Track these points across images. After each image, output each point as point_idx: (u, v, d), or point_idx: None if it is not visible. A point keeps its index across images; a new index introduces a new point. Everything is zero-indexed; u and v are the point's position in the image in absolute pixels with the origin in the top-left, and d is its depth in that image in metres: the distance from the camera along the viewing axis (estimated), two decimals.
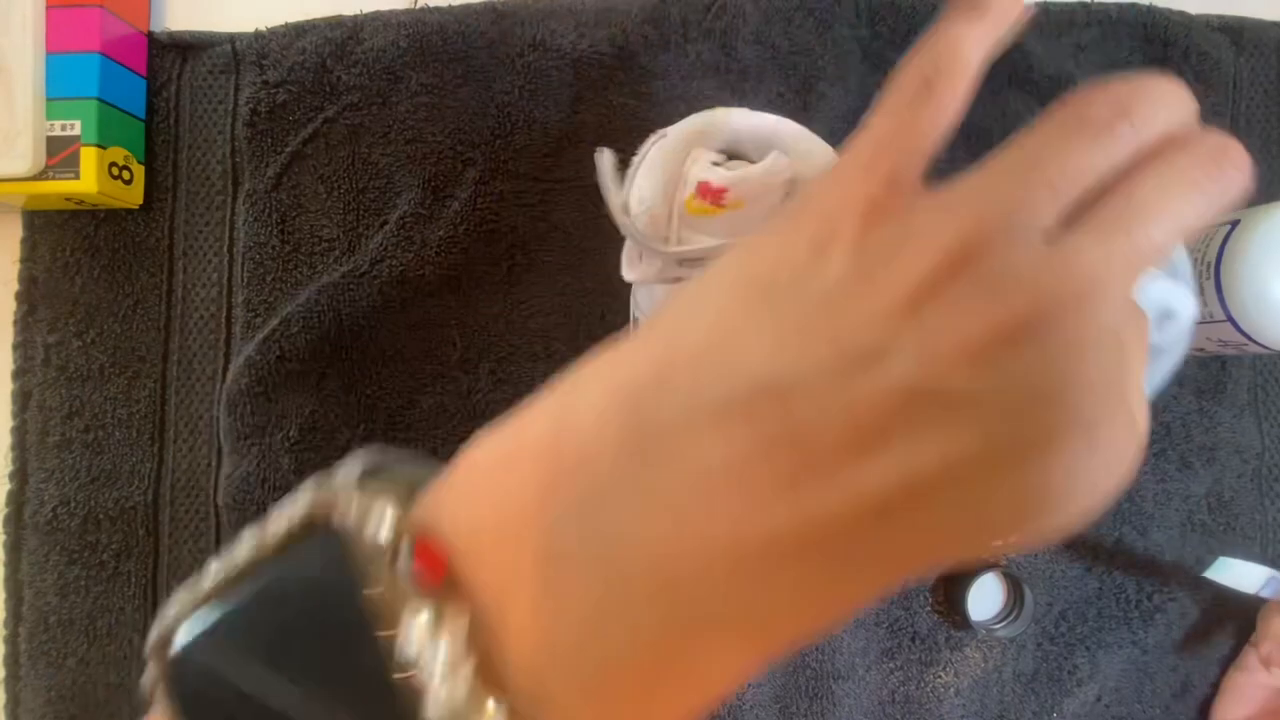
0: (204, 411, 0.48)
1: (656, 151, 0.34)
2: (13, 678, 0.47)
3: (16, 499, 0.47)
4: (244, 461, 0.46)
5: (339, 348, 0.47)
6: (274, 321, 0.47)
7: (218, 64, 0.49)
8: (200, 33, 0.49)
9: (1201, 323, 0.38)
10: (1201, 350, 0.41)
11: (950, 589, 0.45)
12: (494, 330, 0.47)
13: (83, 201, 0.46)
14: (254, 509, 0.46)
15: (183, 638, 0.19)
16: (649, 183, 0.34)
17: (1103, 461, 0.16)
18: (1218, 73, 0.48)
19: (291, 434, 0.46)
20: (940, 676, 0.46)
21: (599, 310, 0.47)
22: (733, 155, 0.36)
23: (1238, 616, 0.45)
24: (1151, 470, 0.46)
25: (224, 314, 0.48)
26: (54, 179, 0.44)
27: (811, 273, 0.17)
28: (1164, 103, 0.19)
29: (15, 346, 0.48)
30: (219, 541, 0.47)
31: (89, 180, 0.44)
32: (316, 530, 0.19)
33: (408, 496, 0.19)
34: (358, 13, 0.49)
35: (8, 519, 0.47)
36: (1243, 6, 0.49)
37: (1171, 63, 0.48)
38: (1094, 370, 0.16)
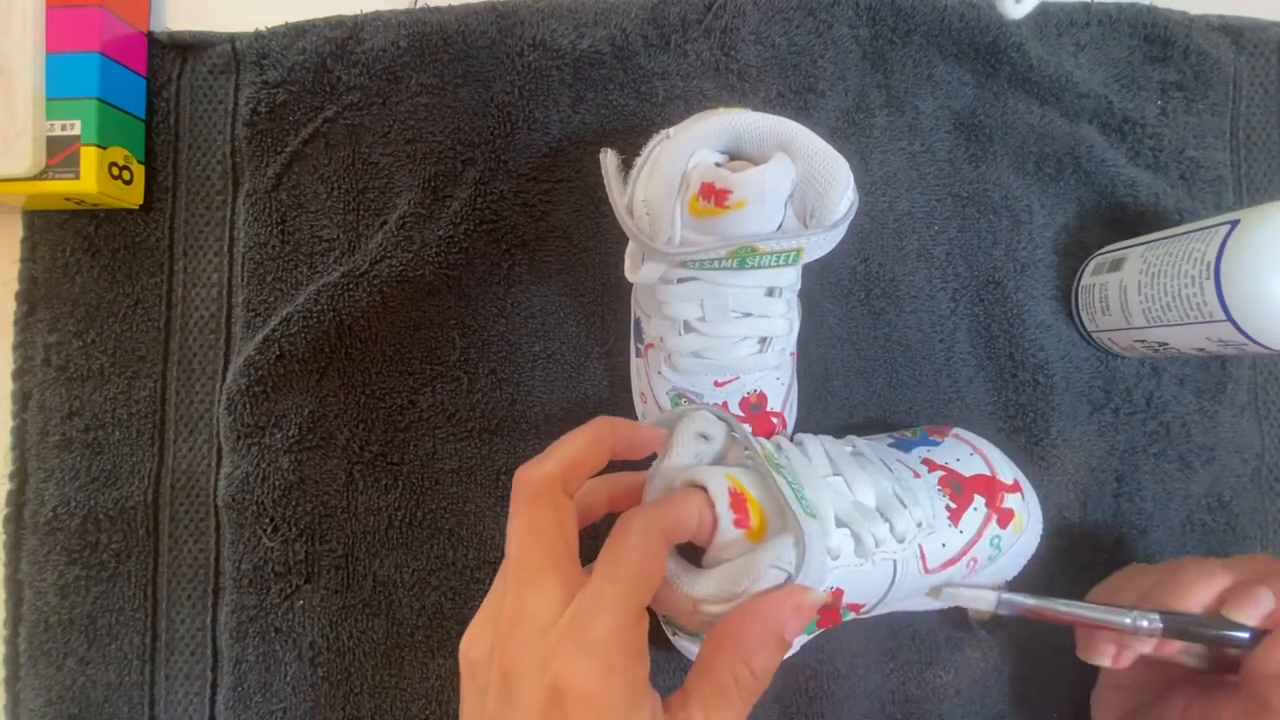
0: (204, 411, 0.48)
1: (660, 152, 0.34)
2: (13, 678, 0.47)
3: (16, 499, 0.47)
4: (244, 461, 0.46)
5: (339, 347, 0.47)
6: (274, 321, 0.47)
7: (218, 64, 0.49)
8: (200, 33, 0.49)
9: (1201, 323, 0.39)
10: (1201, 350, 0.41)
11: None
12: (494, 330, 0.47)
13: (83, 201, 0.46)
14: (253, 508, 0.46)
15: None
16: (652, 183, 0.34)
17: None
18: (1218, 73, 0.48)
19: (291, 433, 0.46)
20: (940, 676, 0.46)
21: (599, 310, 0.47)
22: (735, 156, 0.36)
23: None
24: (1151, 470, 0.46)
25: (224, 314, 0.48)
26: (54, 179, 0.44)
27: None
28: None
29: (15, 346, 0.48)
30: (219, 541, 0.47)
31: (89, 180, 0.44)
32: None
33: None
34: (358, 13, 0.49)
35: (8, 519, 0.47)
36: (1243, 6, 0.49)
37: (1171, 63, 0.48)
38: None
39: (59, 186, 0.44)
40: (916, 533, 0.36)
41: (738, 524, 0.29)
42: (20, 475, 0.48)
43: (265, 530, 0.46)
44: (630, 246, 0.39)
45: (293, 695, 0.46)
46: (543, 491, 0.27)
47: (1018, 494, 0.40)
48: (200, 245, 0.49)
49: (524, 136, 0.47)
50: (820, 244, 0.34)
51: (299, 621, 0.46)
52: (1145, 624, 0.35)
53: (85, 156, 0.44)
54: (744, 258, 0.34)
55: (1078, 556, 0.46)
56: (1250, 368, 0.48)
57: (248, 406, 0.46)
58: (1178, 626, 0.34)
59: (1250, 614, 0.33)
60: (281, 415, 0.47)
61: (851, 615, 0.37)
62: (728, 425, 0.33)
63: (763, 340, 0.40)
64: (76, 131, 0.44)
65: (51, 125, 0.44)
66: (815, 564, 0.28)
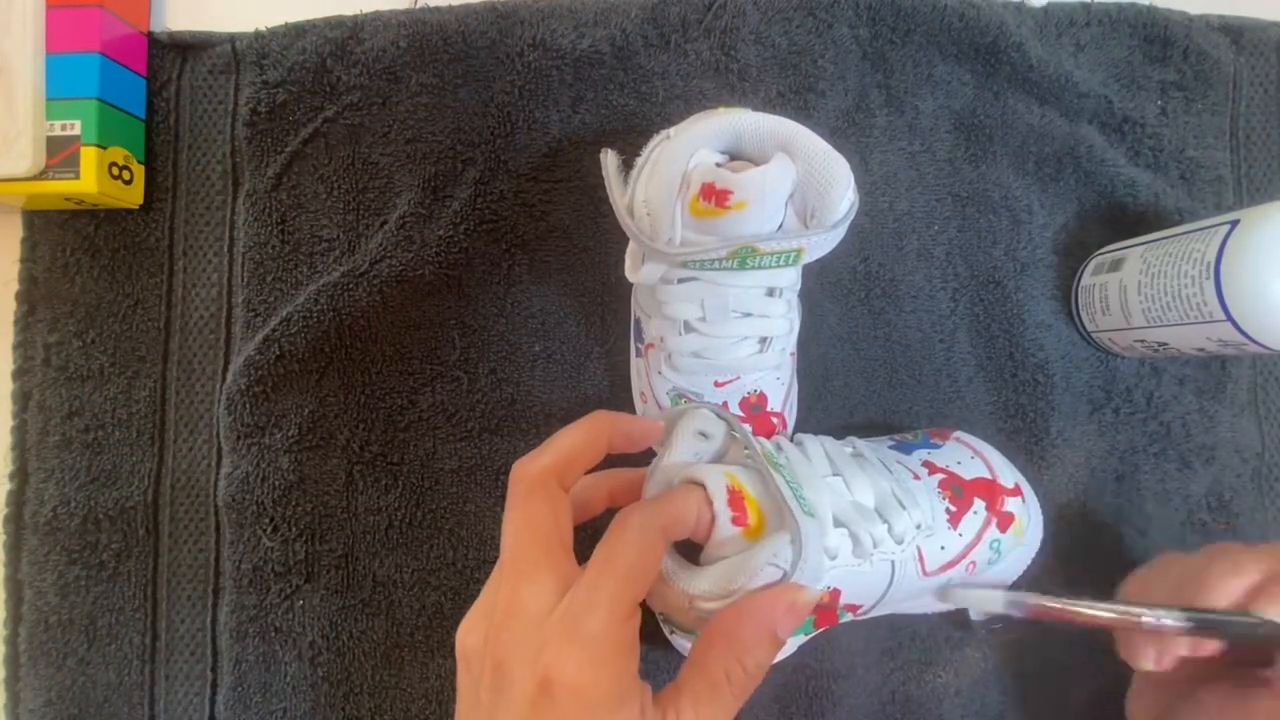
0: (204, 411, 0.48)
1: (660, 152, 0.34)
2: (13, 678, 0.47)
3: (16, 499, 0.47)
4: (243, 461, 0.46)
5: (339, 347, 0.47)
6: (274, 321, 0.47)
7: (218, 64, 0.49)
8: (200, 33, 0.49)
9: (1201, 323, 0.39)
10: (1201, 350, 0.41)
11: None
12: (494, 330, 0.47)
13: (83, 201, 0.46)
14: (253, 508, 0.46)
15: None
16: (653, 184, 0.34)
17: None
18: (1218, 73, 0.48)
19: (291, 433, 0.46)
20: (940, 676, 0.46)
21: (599, 310, 0.47)
22: (735, 156, 0.36)
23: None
24: (1151, 470, 0.47)
25: (224, 314, 0.48)
26: (54, 179, 0.44)
27: None
28: None
29: (15, 346, 0.48)
30: (219, 541, 0.47)
31: (89, 180, 0.44)
32: None
33: None
34: (358, 13, 0.49)
35: (8, 519, 0.47)
36: (1243, 6, 0.49)
37: (1171, 62, 0.48)
38: None
39: (59, 186, 0.44)
40: (915, 534, 0.36)
41: (735, 521, 0.29)
42: (20, 475, 0.48)
43: (265, 530, 0.46)
44: (630, 246, 0.39)
45: (293, 695, 0.46)
46: (538, 485, 0.27)
47: (1018, 498, 0.40)
48: (200, 245, 0.49)
49: (524, 136, 0.47)
50: (820, 244, 0.34)
51: (299, 621, 0.46)
52: (1170, 622, 0.32)
53: (85, 156, 0.44)
54: (744, 258, 0.34)
55: (1078, 556, 0.46)
56: (1250, 368, 0.48)
57: (248, 406, 0.46)
58: (1205, 623, 0.32)
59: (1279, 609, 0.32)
60: (281, 415, 0.47)
61: (849, 616, 0.37)
62: (728, 424, 0.33)
63: (763, 340, 0.40)
64: (76, 131, 0.44)
65: (51, 125, 0.44)
66: (811, 562, 0.28)
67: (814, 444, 0.38)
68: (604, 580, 0.25)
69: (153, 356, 0.48)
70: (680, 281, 0.38)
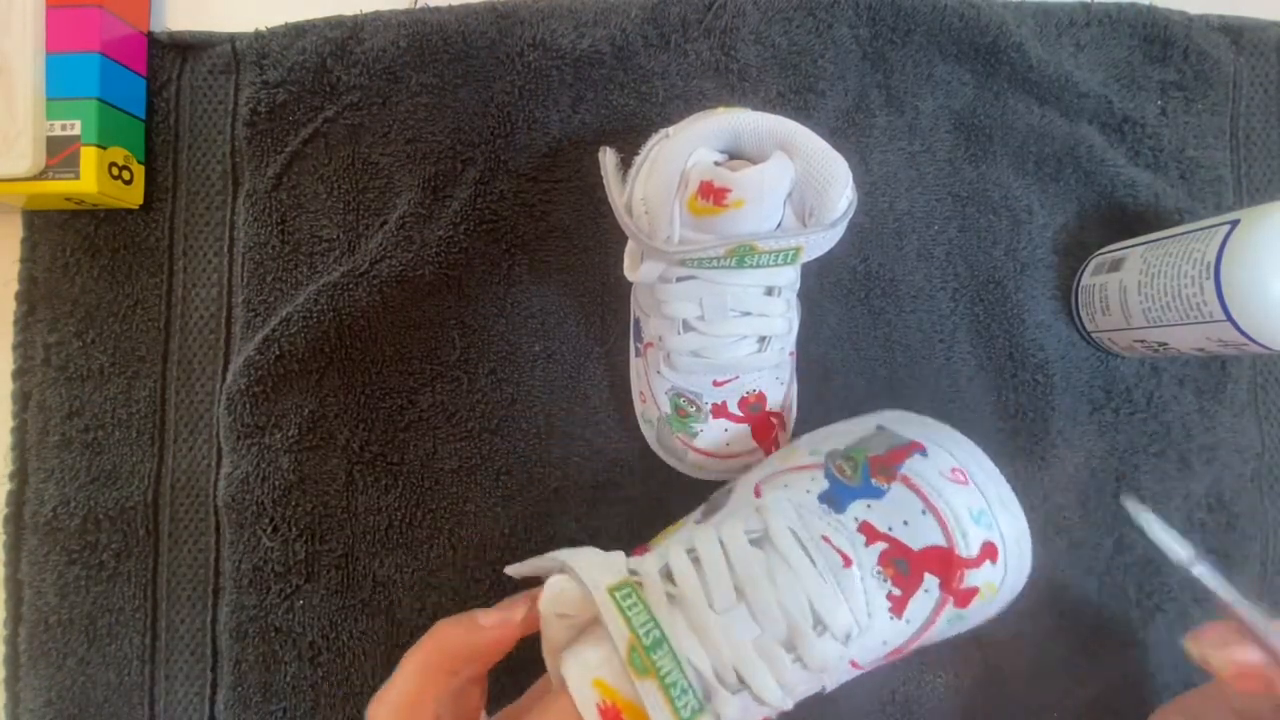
0: (204, 411, 0.48)
1: (659, 151, 0.34)
2: (13, 678, 0.47)
3: (16, 499, 0.47)
4: (243, 461, 0.46)
5: (339, 347, 0.47)
6: (274, 321, 0.47)
7: (218, 64, 0.49)
8: (200, 33, 0.49)
9: (1202, 323, 0.39)
10: (1201, 350, 0.41)
11: None
12: (494, 330, 0.47)
13: (83, 201, 0.46)
14: (253, 508, 0.46)
15: None
16: (651, 182, 0.34)
17: None
18: (1218, 73, 0.48)
19: (291, 433, 0.46)
20: (940, 676, 0.46)
21: (599, 310, 0.47)
22: (734, 155, 0.36)
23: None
24: (1151, 470, 0.46)
25: (224, 314, 0.48)
26: (54, 179, 0.44)
27: None
28: None
29: (15, 346, 0.48)
30: (219, 541, 0.47)
31: (89, 180, 0.44)
32: None
33: None
34: (358, 13, 0.49)
35: (8, 519, 0.47)
36: (1243, 6, 0.49)
37: (1171, 63, 0.48)
38: None
39: (59, 186, 0.44)
40: (844, 650, 0.30)
41: None
42: (20, 475, 0.48)
43: (265, 530, 0.46)
44: (629, 245, 0.39)
45: (293, 695, 0.46)
46: None
47: (985, 564, 0.31)
48: (200, 245, 0.49)
49: (524, 136, 0.47)
50: (819, 243, 0.34)
51: (299, 621, 0.46)
52: None
53: (85, 156, 0.44)
54: (743, 256, 0.34)
55: (1078, 557, 0.46)
56: (1250, 368, 0.48)
57: (248, 406, 0.46)
58: None
59: None
60: (281, 415, 0.47)
61: None
62: (594, 600, 0.28)
63: (762, 339, 0.40)
64: (76, 131, 0.44)
65: (51, 125, 0.44)
66: None
67: (713, 552, 0.31)
68: None
69: (153, 356, 0.48)
70: (679, 280, 0.38)
